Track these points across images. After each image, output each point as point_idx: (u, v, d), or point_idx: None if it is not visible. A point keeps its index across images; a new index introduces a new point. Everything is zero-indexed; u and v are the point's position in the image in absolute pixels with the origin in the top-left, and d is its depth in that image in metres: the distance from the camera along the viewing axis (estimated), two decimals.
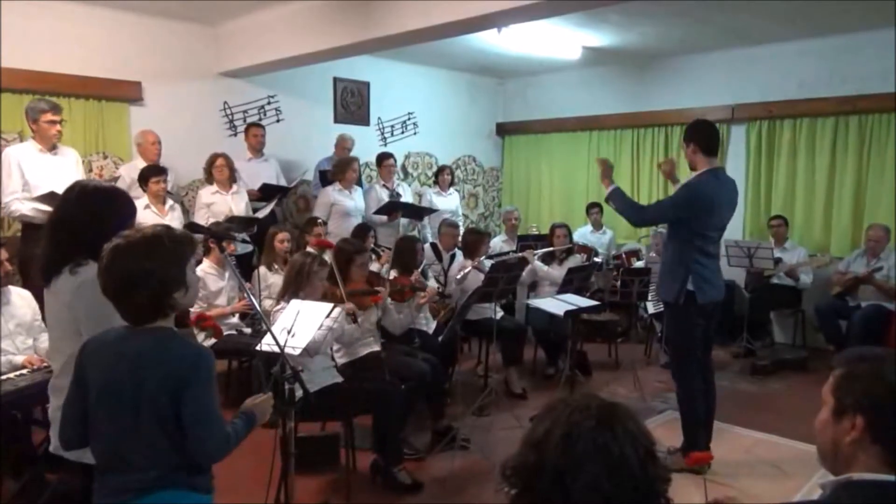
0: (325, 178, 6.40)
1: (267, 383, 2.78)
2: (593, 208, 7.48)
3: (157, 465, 1.79)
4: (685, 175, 3.86)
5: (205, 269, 4.66)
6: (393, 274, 4.67)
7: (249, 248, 5.63)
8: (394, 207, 6.21)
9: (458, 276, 5.20)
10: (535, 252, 5.82)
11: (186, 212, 5.80)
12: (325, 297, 3.65)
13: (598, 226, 7.46)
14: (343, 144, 6.68)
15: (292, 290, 3.54)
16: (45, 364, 3.39)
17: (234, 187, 5.61)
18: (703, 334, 3.79)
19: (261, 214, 5.62)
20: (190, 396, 1.76)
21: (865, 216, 6.27)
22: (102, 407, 1.83)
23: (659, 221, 3.69)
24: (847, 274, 5.94)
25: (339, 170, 6.19)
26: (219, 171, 5.50)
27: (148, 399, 1.76)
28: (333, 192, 6.09)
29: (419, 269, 4.79)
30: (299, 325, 2.98)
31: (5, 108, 5.12)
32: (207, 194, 5.51)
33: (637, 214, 3.92)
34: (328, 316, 3.15)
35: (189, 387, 1.76)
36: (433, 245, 5.78)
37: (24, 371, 3.26)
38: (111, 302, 1.83)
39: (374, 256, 5.49)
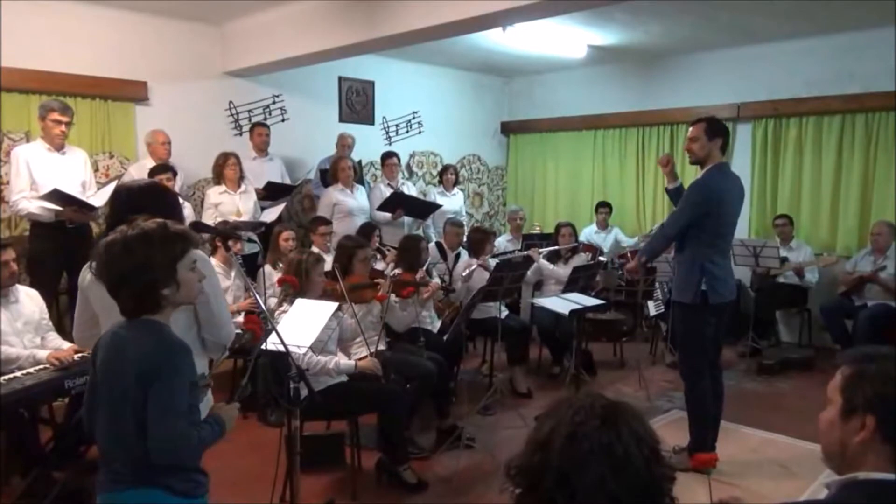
0: (326, 176, 6.42)
1: (274, 383, 2.79)
2: (602, 208, 7.47)
3: (132, 461, 1.79)
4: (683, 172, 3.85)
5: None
6: (398, 272, 4.67)
7: (256, 247, 5.64)
8: (397, 201, 6.21)
9: (464, 274, 5.20)
10: (541, 251, 5.82)
11: (193, 210, 5.82)
12: (324, 294, 3.67)
13: (603, 226, 7.45)
14: (342, 143, 6.68)
15: (293, 289, 3.55)
16: (76, 356, 3.38)
17: (243, 186, 5.62)
18: (713, 334, 3.78)
19: (268, 218, 5.63)
20: (154, 390, 1.73)
21: (872, 215, 6.24)
22: (98, 399, 1.86)
23: (682, 228, 3.65)
24: (853, 273, 5.92)
25: (332, 171, 6.24)
26: (232, 170, 5.51)
27: (127, 392, 1.77)
28: (335, 193, 6.10)
29: (424, 268, 4.80)
30: (304, 323, 2.99)
31: (13, 108, 5.13)
32: (215, 194, 5.51)
33: (662, 240, 3.89)
34: (333, 314, 3.17)
35: (157, 380, 1.74)
36: (438, 244, 5.79)
37: (31, 370, 3.27)
38: (110, 296, 1.85)
39: (379, 256, 5.51)
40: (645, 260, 4.03)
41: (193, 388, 1.83)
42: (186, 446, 1.79)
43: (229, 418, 2.02)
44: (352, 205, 6.11)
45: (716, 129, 3.66)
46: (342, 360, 3.56)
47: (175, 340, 1.83)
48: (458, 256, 5.62)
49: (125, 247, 1.79)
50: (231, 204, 5.49)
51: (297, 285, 3.55)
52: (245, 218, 5.45)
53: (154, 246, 1.79)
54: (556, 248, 5.89)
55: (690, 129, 3.74)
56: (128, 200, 2.34)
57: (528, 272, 5.32)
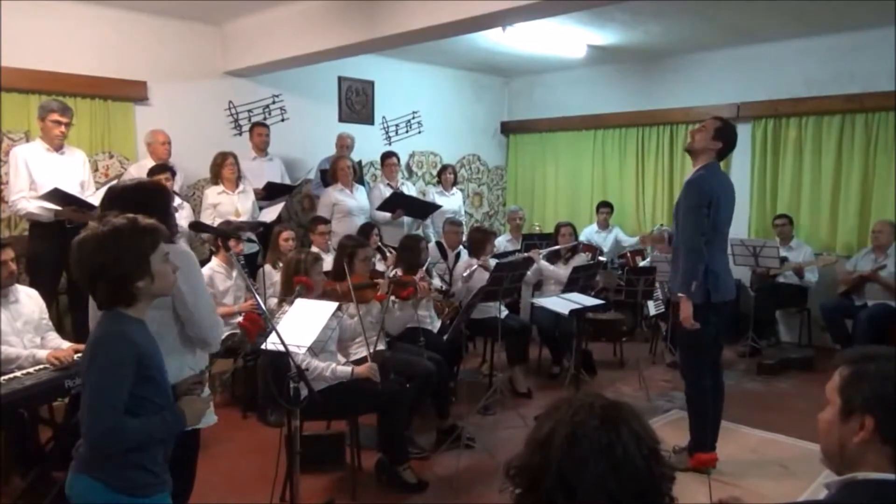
0: (326, 176, 6.43)
1: (274, 383, 2.79)
2: (603, 207, 7.47)
3: (86, 447, 1.83)
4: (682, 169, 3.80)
5: (213, 267, 4.71)
6: (397, 272, 4.67)
7: (255, 247, 5.64)
8: (397, 201, 6.21)
9: (465, 274, 5.20)
10: (541, 251, 5.81)
11: (193, 211, 5.82)
12: (325, 294, 3.66)
13: (604, 225, 7.45)
14: (341, 143, 6.69)
15: (307, 289, 3.54)
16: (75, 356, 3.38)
17: (241, 186, 5.62)
18: (714, 333, 3.76)
19: (268, 218, 5.63)
20: (88, 378, 1.78)
21: (872, 215, 6.24)
22: None
23: (700, 234, 3.56)
24: (853, 273, 5.92)
25: (332, 171, 6.24)
26: (229, 169, 5.51)
27: (83, 378, 1.83)
28: (334, 193, 6.10)
29: (423, 268, 4.79)
30: (304, 323, 2.99)
31: (13, 108, 5.14)
32: (213, 194, 5.51)
33: (693, 258, 3.57)
34: (333, 314, 3.17)
35: (89, 368, 1.78)
36: (438, 244, 5.79)
37: (31, 370, 3.26)
38: (87, 291, 1.90)
39: (380, 256, 5.50)
40: (694, 290, 3.55)
41: (147, 382, 1.83)
42: (114, 437, 1.77)
43: (193, 412, 2.00)
44: (351, 205, 6.10)
45: (721, 133, 3.67)
46: (339, 368, 3.56)
47: (120, 330, 1.83)
48: (458, 256, 5.61)
49: (97, 243, 1.83)
50: (229, 204, 5.49)
51: (312, 285, 3.51)
52: (244, 218, 5.45)
53: (125, 241, 1.83)
54: (557, 248, 5.88)
55: (707, 120, 3.75)
56: (120, 198, 2.35)
57: (529, 273, 5.32)
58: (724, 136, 3.67)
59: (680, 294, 3.63)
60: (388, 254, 5.52)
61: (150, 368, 1.85)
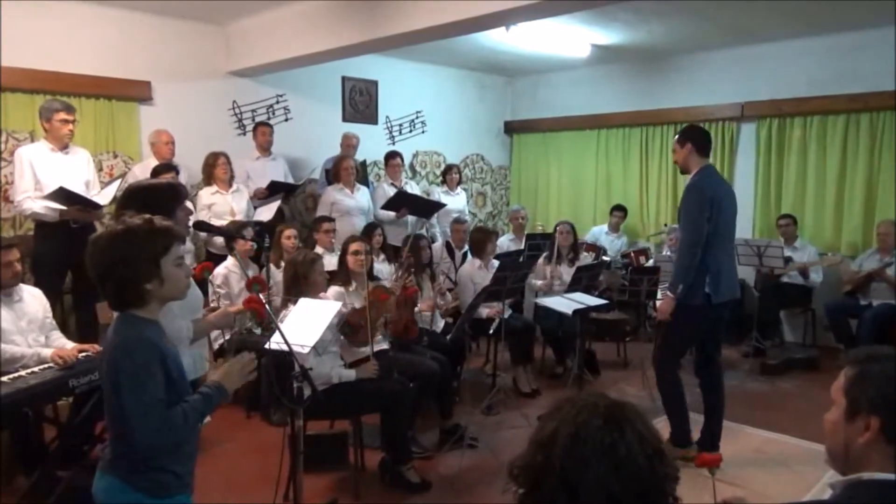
0: (330, 176, 6.43)
1: (278, 384, 2.79)
2: (617, 211, 7.47)
3: (111, 449, 1.86)
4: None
5: (228, 266, 4.74)
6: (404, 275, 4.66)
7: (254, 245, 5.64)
8: (402, 199, 6.21)
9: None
10: (549, 255, 5.72)
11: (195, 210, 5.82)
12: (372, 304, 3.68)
13: (616, 229, 7.44)
14: (346, 142, 6.69)
15: (294, 290, 3.55)
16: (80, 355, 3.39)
17: (234, 186, 5.61)
18: (713, 333, 3.80)
19: (264, 217, 5.62)
20: (122, 386, 1.76)
21: (877, 215, 6.22)
22: None
23: (702, 234, 3.61)
24: (859, 272, 5.90)
25: (334, 170, 6.24)
26: (222, 169, 5.51)
27: (106, 382, 1.84)
28: (333, 192, 6.10)
29: (441, 280, 4.74)
30: (308, 323, 2.99)
31: (17, 108, 5.16)
32: (207, 195, 5.49)
33: (688, 258, 3.63)
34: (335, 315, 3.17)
35: (120, 375, 1.77)
36: (447, 243, 5.77)
37: (36, 369, 3.27)
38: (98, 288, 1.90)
39: (384, 256, 5.48)
40: (680, 292, 3.66)
41: (168, 382, 1.82)
42: (168, 432, 1.79)
43: (230, 380, 1.99)
44: (349, 204, 6.08)
45: (684, 135, 3.77)
46: (343, 372, 3.57)
47: (138, 334, 1.82)
48: (465, 255, 5.60)
49: (109, 242, 1.83)
50: (224, 204, 5.48)
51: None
52: (239, 217, 5.45)
53: (136, 241, 1.82)
54: (558, 252, 5.79)
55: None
56: (131, 198, 2.35)
57: (538, 282, 5.31)
58: (688, 137, 3.76)
59: (668, 292, 3.73)
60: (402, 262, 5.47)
61: (170, 369, 1.85)
